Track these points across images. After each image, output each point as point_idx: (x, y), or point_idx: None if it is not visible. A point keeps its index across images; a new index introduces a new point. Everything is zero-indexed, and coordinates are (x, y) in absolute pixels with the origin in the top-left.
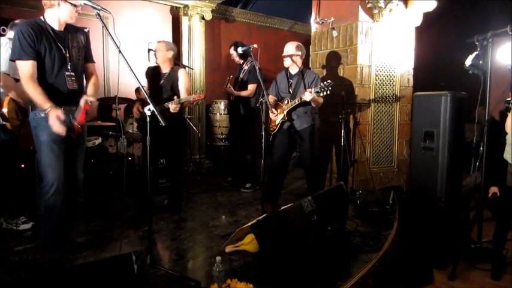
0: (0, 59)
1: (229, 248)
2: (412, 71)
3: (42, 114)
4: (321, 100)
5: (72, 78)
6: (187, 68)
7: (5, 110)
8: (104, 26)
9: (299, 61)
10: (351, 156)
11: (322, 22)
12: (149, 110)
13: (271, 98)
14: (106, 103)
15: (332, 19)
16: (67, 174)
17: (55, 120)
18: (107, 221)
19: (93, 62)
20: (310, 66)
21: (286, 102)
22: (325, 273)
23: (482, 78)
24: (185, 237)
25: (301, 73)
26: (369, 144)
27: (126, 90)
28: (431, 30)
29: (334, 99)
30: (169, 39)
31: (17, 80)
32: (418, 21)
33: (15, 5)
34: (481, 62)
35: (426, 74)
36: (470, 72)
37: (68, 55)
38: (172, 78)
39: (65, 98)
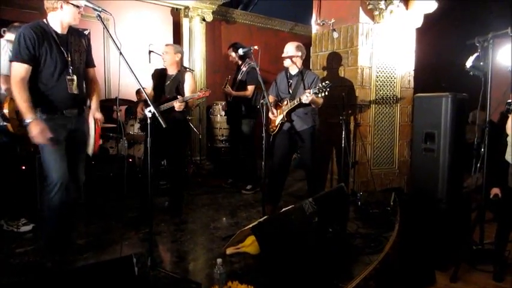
0: (0, 61)
1: (230, 250)
2: (412, 73)
3: (44, 116)
4: (320, 101)
5: (74, 82)
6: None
7: (5, 111)
8: (105, 27)
9: (299, 62)
10: (351, 158)
11: (323, 23)
12: (150, 111)
13: (271, 98)
14: (107, 105)
15: (333, 20)
16: (69, 176)
17: (38, 135)
18: (108, 223)
19: (93, 66)
20: (311, 67)
21: (285, 103)
22: (327, 275)
23: (483, 80)
24: (186, 239)
25: (301, 74)
26: (370, 145)
27: (126, 92)
28: (431, 32)
29: (334, 101)
30: (170, 40)
31: None
32: (419, 22)
33: (16, 7)
34: (481, 63)
35: (427, 75)
36: (471, 73)
37: (69, 59)
38: (179, 80)
39: (66, 102)
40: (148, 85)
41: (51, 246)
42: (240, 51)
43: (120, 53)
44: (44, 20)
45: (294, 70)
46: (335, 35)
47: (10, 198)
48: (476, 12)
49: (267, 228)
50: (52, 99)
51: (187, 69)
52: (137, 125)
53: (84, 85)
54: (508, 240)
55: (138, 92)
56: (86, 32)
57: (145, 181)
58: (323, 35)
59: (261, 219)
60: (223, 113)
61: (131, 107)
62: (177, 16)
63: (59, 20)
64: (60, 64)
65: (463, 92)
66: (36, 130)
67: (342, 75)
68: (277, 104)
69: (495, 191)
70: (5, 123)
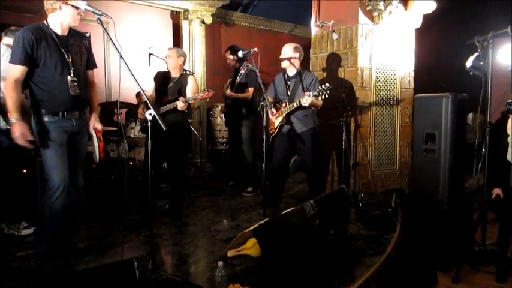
0: (0, 66)
1: (231, 253)
2: (412, 73)
3: (46, 118)
4: (319, 103)
5: (75, 84)
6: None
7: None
8: (105, 31)
9: (297, 63)
10: (352, 159)
11: (322, 25)
12: (150, 114)
13: (270, 99)
14: (107, 108)
15: (332, 22)
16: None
17: (19, 136)
18: (109, 226)
19: (94, 67)
20: (310, 69)
21: (284, 105)
22: (328, 278)
23: (483, 80)
24: (187, 242)
25: (299, 75)
26: (370, 146)
27: (127, 95)
28: (431, 32)
29: (335, 102)
30: (170, 43)
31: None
32: (418, 23)
33: (17, 11)
34: (481, 63)
35: (427, 75)
36: (471, 73)
37: (70, 60)
38: (181, 82)
39: (67, 104)
40: (148, 88)
41: (52, 250)
42: (240, 54)
43: (120, 56)
44: (44, 22)
45: (291, 72)
46: (334, 36)
47: (11, 201)
48: (475, 11)
49: (268, 230)
50: (54, 100)
51: (190, 72)
52: (138, 127)
53: (85, 86)
54: (511, 241)
55: (138, 94)
56: (87, 35)
57: (146, 184)
58: (322, 36)
59: (262, 222)
60: (223, 115)
61: (131, 110)
62: (176, 19)
63: (58, 21)
64: (60, 65)
65: (463, 92)
66: (18, 132)
67: (342, 77)
68: (276, 106)
69: (497, 191)
70: (8, 127)
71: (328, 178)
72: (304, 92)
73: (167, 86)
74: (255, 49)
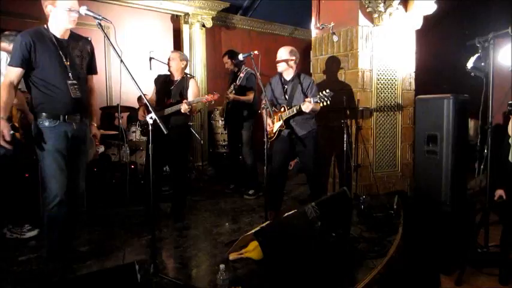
0: (1, 73)
1: (233, 256)
2: (413, 75)
3: (46, 124)
4: (318, 107)
5: (75, 87)
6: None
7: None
8: (106, 35)
9: (294, 66)
10: (354, 161)
11: (323, 27)
12: (151, 118)
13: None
14: (108, 111)
15: (332, 24)
16: (69, 184)
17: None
18: (110, 230)
19: (95, 73)
20: (311, 71)
21: (282, 109)
22: (330, 280)
23: (485, 80)
24: (188, 245)
25: (298, 78)
26: (372, 148)
27: (128, 99)
28: (432, 33)
29: (335, 104)
30: (171, 47)
31: (23, 92)
32: (419, 24)
33: (18, 17)
34: (482, 63)
35: (428, 77)
36: (472, 74)
37: (68, 63)
38: (183, 85)
39: (68, 107)
40: (149, 91)
41: (53, 255)
42: (240, 57)
43: (121, 61)
44: (45, 26)
45: (288, 75)
46: (335, 38)
47: (14, 205)
48: (476, 12)
49: (270, 233)
50: (54, 103)
51: (191, 76)
52: (139, 130)
53: (85, 90)
54: None
55: (139, 98)
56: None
57: (148, 187)
58: (323, 38)
59: (263, 224)
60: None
61: (133, 115)
62: (177, 23)
63: (54, 24)
64: (58, 68)
65: (464, 93)
66: None
67: (343, 79)
68: (274, 111)
69: (500, 192)
70: (12, 132)
71: (329, 180)
72: (306, 96)
73: (168, 88)
74: (256, 52)
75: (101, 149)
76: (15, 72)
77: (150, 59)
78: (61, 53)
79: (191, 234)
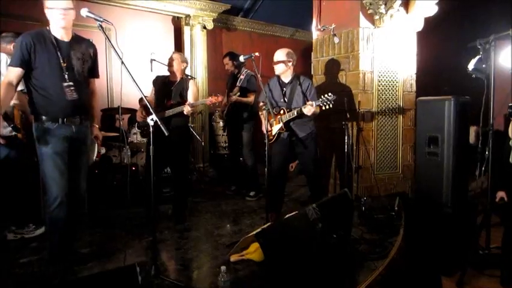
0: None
1: (234, 257)
2: (414, 76)
3: (46, 125)
4: (318, 111)
5: (71, 89)
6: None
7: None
8: (107, 37)
9: (291, 68)
10: (355, 163)
11: (324, 29)
12: (152, 119)
13: (261, 103)
14: (109, 113)
15: (333, 26)
16: (70, 185)
17: None
18: (111, 232)
19: (96, 77)
20: (312, 73)
21: (282, 112)
22: (331, 282)
23: (486, 82)
24: (189, 247)
25: (297, 79)
26: (373, 150)
27: (129, 101)
28: (433, 35)
29: (337, 106)
30: (172, 49)
31: (24, 93)
32: (420, 26)
33: (19, 19)
34: (484, 65)
35: (429, 78)
36: (474, 76)
37: (64, 65)
38: (182, 86)
39: (66, 109)
40: (149, 93)
41: (54, 257)
42: (241, 59)
43: (122, 62)
44: (47, 27)
45: (286, 77)
46: (336, 40)
47: (17, 207)
48: (477, 14)
49: (271, 235)
50: (52, 105)
51: (191, 77)
52: (138, 131)
53: (86, 93)
54: None
55: (141, 100)
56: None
57: (149, 189)
58: (324, 40)
59: (264, 226)
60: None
61: (133, 117)
62: (178, 24)
63: (54, 25)
64: (55, 70)
65: (465, 95)
66: None
67: (344, 81)
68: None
69: (501, 194)
70: (14, 133)
71: (330, 182)
72: (306, 97)
73: (168, 89)
74: (256, 53)
75: (103, 150)
76: (15, 72)
77: (151, 60)
78: (59, 54)
79: (192, 236)
